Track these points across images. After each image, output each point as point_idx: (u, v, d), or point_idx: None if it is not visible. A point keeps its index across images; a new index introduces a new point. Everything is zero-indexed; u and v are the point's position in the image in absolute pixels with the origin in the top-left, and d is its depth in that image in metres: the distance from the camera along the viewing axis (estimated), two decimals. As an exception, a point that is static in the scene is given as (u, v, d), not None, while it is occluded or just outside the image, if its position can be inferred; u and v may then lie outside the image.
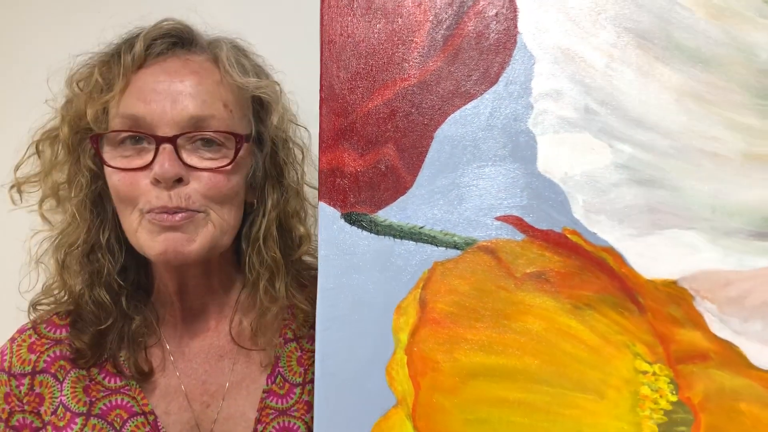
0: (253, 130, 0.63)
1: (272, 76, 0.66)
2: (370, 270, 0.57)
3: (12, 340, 0.67)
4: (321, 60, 0.58)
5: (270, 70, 0.66)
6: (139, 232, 0.59)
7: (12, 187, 0.64)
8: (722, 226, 0.56)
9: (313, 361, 0.53)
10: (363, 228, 0.57)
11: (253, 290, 0.64)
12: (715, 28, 0.57)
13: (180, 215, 0.57)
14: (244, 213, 0.64)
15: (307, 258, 0.69)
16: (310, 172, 0.68)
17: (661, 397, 0.54)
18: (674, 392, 0.54)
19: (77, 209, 0.61)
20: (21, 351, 0.65)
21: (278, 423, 0.63)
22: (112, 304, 0.61)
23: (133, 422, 0.61)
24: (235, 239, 0.64)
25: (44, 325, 0.65)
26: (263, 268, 0.63)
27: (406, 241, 0.57)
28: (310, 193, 0.68)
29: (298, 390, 0.65)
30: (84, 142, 0.62)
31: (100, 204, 0.63)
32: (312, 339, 0.62)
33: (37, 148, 0.64)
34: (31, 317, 0.67)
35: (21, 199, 0.64)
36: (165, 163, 0.57)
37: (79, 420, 0.61)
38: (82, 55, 0.62)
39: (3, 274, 0.71)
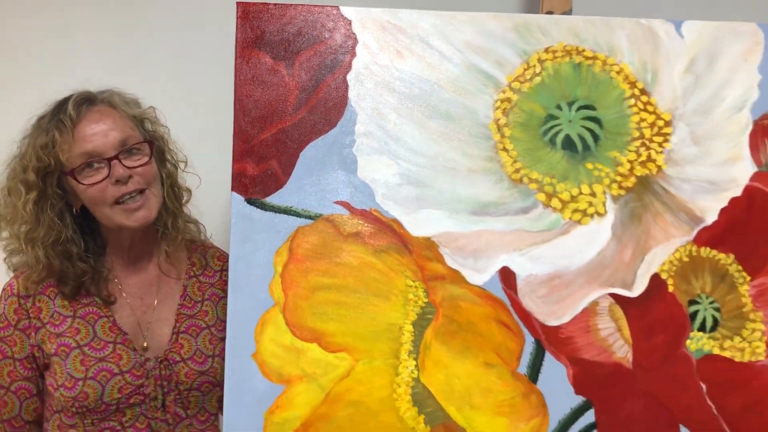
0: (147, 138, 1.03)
1: (134, 96, 1.05)
2: (261, 231, 0.99)
3: (16, 277, 1.02)
4: (234, 110, 1.00)
5: (206, 117, 1.09)
6: (115, 217, 0.98)
7: None
8: (455, 208, 1.00)
9: (208, 288, 0.98)
10: (257, 207, 0.99)
11: (165, 229, 1.03)
12: (457, 98, 1.02)
13: (139, 200, 0.96)
14: None
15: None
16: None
17: (419, 299, 0.98)
18: (426, 297, 0.99)
19: (54, 218, 0.96)
20: (26, 282, 1.00)
21: (188, 322, 1.04)
22: (88, 267, 1.00)
23: (100, 321, 0.99)
24: None
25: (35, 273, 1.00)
26: (169, 215, 1.03)
27: (282, 215, 0.99)
28: (225, 186, 1.07)
29: (199, 305, 1.06)
30: (48, 177, 0.96)
31: (64, 213, 0.99)
32: (205, 275, 1.07)
33: (9, 190, 0.99)
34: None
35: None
36: (120, 170, 0.95)
37: (68, 320, 0.99)
38: (25, 137, 0.99)
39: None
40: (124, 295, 1.04)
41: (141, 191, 0.99)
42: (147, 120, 1.05)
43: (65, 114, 0.96)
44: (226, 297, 1.05)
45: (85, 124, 0.97)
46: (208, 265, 1.11)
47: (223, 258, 1.14)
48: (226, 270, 1.09)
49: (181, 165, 1.08)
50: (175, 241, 1.04)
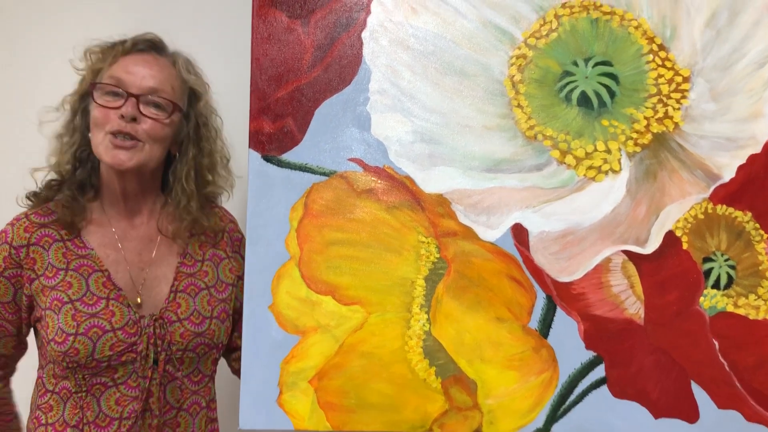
0: (186, 109, 1.05)
1: (206, 80, 1.08)
2: (278, 187, 1.01)
3: (11, 224, 1.01)
4: (251, 68, 1.02)
5: (223, 75, 1.10)
6: (100, 146, 0.99)
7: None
8: (468, 165, 1.01)
9: (209, 248, 1.04)
10: (273, 164, 1.02)
11: (177, 207, 1.05)
12: (472, 54, 1.03)
13: (128, 143, 0.97)
14: (170, 158, 1.07)
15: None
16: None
17: (431, 255, 1.00)
18: (438, 253, 1.00)
19: (83, 130, 1.03)
20: (19, 231, 1.00)
21: (187, 281, 1.05)
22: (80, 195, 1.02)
23: (94, 275, 0.99)
24: (164, 174, 1.07)
25: (33, 216, 1.01)
26: (183, 195, 1.05)
27: (298, 171, 1.01)
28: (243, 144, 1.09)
29: (199, 264, 1.07)
30: (84, 101, 1.02)
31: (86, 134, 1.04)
32: (207, 235, 1.08)
33: (63, 105, 1.06)
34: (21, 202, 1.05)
35: None
36: (129, 108, 0.97)
37: (61, 273, 0.98)
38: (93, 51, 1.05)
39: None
40: (122, 250, 1.05)
41: (137, 139, 1.00)
42: (202, 101, 1.07)
43: (127, 43, 1.03)
44: (227, 259, 1.09)
45: (137, 60, 1.02)
46: (212, 227, 1.11)
47: (226, 219, 1.15)
48: (228, 231, 1.12)
49: (222, 160, 1.10)
50: (183, 222, 1.06)
